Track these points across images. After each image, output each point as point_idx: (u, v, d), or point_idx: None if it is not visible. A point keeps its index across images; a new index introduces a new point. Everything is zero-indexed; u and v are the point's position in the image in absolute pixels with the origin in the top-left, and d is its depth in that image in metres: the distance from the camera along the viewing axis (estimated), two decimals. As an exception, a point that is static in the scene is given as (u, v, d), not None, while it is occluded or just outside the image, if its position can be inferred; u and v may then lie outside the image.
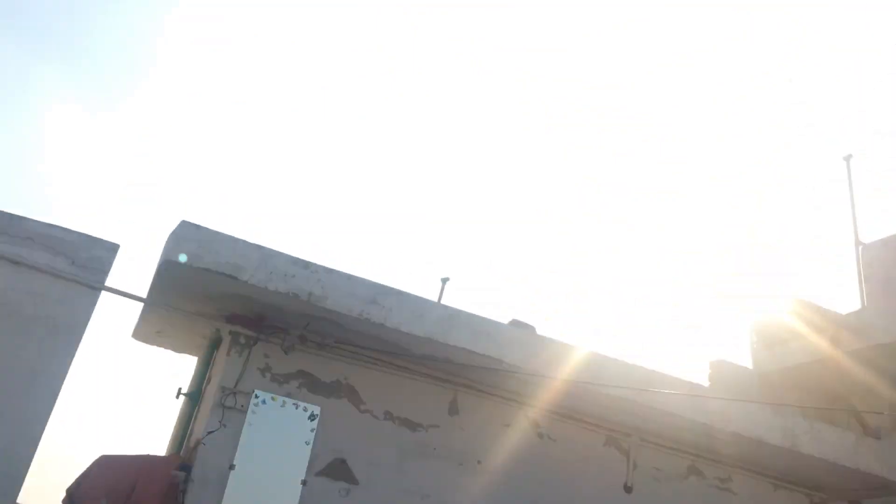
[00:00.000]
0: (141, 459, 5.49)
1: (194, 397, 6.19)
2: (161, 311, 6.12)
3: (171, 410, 6.55)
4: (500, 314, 6.50)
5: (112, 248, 5.67)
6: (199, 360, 6.61)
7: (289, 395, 5.89)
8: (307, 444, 5.76)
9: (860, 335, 8.05)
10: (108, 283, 5.57)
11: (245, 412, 5.66)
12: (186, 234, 5.41)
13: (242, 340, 5.88)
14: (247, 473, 5.48)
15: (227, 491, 5.39)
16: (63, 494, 5.32)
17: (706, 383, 8.14)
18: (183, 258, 5.28)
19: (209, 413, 5.61)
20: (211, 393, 5.84)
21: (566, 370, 6.26)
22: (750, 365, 8.90)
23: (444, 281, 8.27)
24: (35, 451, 5.03)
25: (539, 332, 6.61)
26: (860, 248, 8.97)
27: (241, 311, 5.85)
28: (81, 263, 5.52)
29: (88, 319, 5.51)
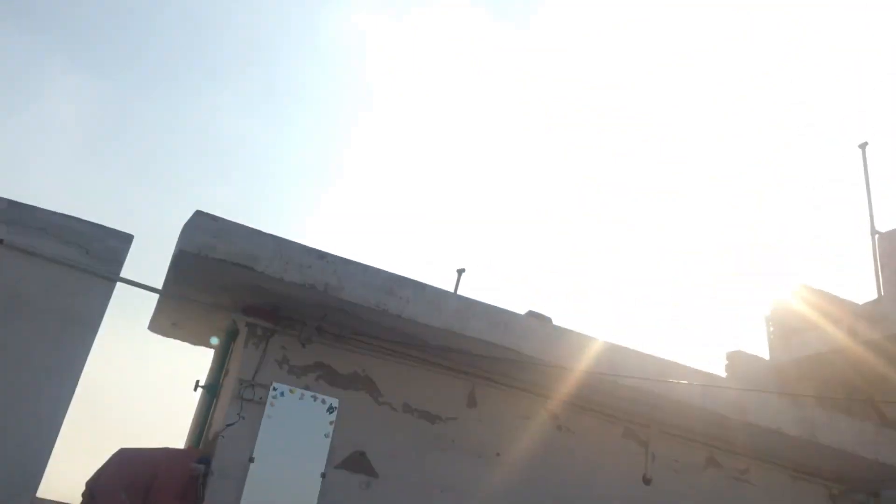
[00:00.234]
0: (160, 452, 5.43)
1: (212, 390, 6.12)
2: (177, 302, 6.05)
3: (189, 403, 6.50)
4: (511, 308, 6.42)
5: (126, 239, 5.59)
6: (216, 352, 6.54)
7: (307, 387, 5.82)
8: (326, 436, 5.69)
9: (877, 325, 8.00)
10: (123, 274, 5.50)
11: (263, 404, 5.59)
12: (201, 224, 5.33)
13: (259, 332, 5.81)
14: (266, 466, 5.43)
15: (247, 484, 5.33)
16: (83, 488, 5.26)
17: (722, 374, 8.09)
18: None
19: (228, 405, 5.55)
20: (229, 385, 5.77)
21: (584, 361, 6.21)
22: (766, 355, 8.85)
23: (461, 272, 8.19)
24: (53, 444, 4.96)
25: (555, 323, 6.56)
26: (876, 237, 8.91)
27: (257, 303, 5.78)
28: (95, 254, 5.44)
29: (103, 311, 5.43)
